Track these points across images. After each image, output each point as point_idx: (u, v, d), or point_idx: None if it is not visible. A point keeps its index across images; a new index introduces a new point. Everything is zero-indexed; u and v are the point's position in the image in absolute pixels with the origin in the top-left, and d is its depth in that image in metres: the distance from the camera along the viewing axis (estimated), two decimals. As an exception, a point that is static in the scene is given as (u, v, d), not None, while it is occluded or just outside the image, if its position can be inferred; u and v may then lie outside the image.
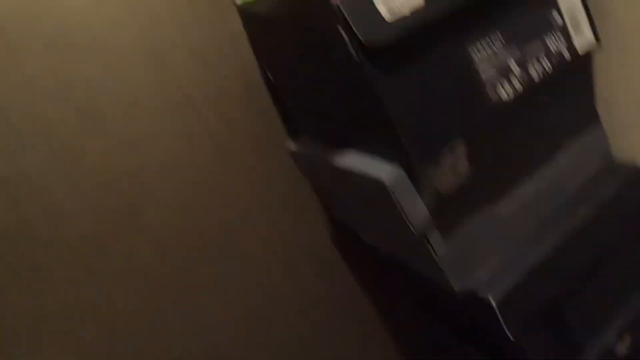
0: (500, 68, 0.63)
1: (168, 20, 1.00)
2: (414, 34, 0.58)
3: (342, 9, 0.55)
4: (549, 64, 0.67)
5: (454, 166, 0.66)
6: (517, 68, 0.66)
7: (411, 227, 0.63)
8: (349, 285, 1.22)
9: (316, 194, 1.12)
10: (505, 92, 0.65)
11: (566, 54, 0.69)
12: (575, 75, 0.75)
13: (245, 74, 1.06)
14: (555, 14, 0.68)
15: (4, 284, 0.95)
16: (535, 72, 0.67)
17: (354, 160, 0.71)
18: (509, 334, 0.68)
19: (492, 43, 0.63)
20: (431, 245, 0.66)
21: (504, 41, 0.64)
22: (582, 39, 0.70)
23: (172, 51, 1.01)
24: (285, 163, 1.10)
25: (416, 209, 0.63)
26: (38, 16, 0.92)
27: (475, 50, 0.62)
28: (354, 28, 0.56)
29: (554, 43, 0.68)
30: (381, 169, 0.63)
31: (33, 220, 0.95)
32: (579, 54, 0.69)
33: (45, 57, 0.93)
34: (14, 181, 0.93)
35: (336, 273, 1.20)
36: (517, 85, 0.65)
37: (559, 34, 0.68)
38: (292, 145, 0.98)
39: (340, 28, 0.57)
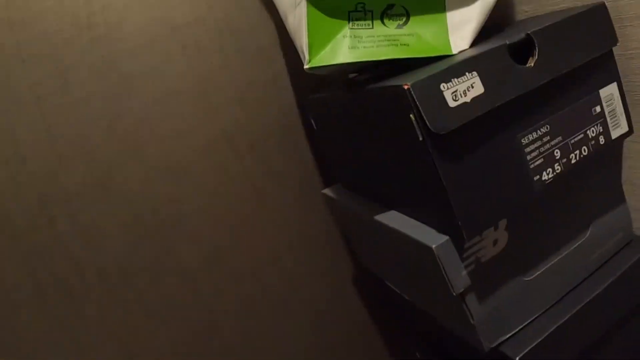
0: (546, 155, 0.69)
1: (216, 59, 1.05)
2: (473, 119, 0.64)
3: (413, 94, 0.61)
4: (586, 150, 0.73)
5: (495, 238, 0.72)
6: (560, 155, 0.71)
7: (452, 289, 0.69)
8: (366, 326, 1.27)
9: (345, 240, 1.17)
10: (547, 176, 0.70)
11: (602, 140, 0.75)
12: (606, 158, 0.82)
13: (284, 118, 1.11)
14: (597, 106, 0.74)
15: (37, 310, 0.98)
16: (575, 158, 0.73)
17: (400, 222, 0.77)
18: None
19: (540, 132, 0.69)
20: (468, 308, 0.71)
21: (550, 131, 0.70)
22: (618, 128, 0.76)
23: (216, 90, 1.05)
24: (318, 209, 1.15)
25: (458, 275, 0.68)
26: (92, 43, 0.96)
27: (525, 138, 0.68)
28: (422, 113, 0.61)
29: (593, 132, 0.74)
30: (430, 235, 0.69)
31: (67, 239, 0.99)
32: (612, 139, 0.76)
33: (96, 82, 0.97)
34: (52, 200, 0.97)
35: (356, 315, 1.25)
36: (559, 169, 0.71)
37: (599, 124, 0.74)
38: (328, 192, 1.03)
39: (408, 110, 0.62)
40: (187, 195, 1.05)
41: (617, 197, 0.85)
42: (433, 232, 0.70)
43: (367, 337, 1.29)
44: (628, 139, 0.81)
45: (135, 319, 1.05)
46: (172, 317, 1.07)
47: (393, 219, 0.79)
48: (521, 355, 0.74)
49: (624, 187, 0.86)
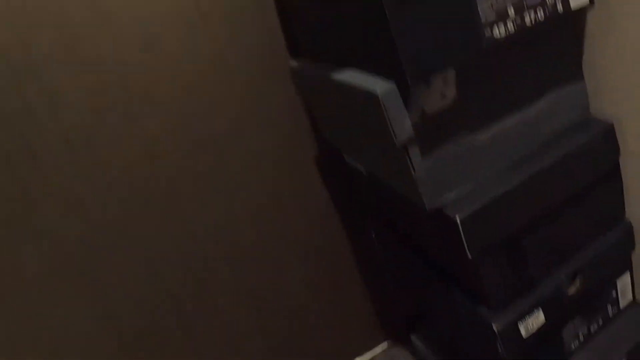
0: (499, 11, 0.69)
1: None
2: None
3: None
4: (542, 14, 0.73)
5: (442, 90, 0.72)
6: (514, 13, 0.71)
7: (394, 138, 0.69)
8: (323, 202, 1.29)
9: (309, 114, 1.18)
10: (499, 32, 0.70)
11: (559, 8, 0.74)
12: (565, 30, 0.81)
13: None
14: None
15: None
16: (529, 18, 0.72)
17: (350, 75, 0.77)
18: (468, 253, 0.76)
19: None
20: (410, 161, 0.72)
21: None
22: (579, -2, 0.76)
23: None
24: (282, 82, 1.15)
25: (402, 123, 0.69)
26: None
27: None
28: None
29: (550, -4, 0.74)
30: (376, 83, 0.69)
31: (36, 106, 0.99)
32: (571, 9, 0.75)
33: None
34: (24, 69, 0.97)
35: (314, 191, 1.27)
36: (511, 27, 0.71)
37: (556, -13, 0.74)
38: (292, 63, 1.03)
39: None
40: (155, 63, 1.05)
41: (575, 74, 0.85)
42: (380, 80, 0.71)
43: (324, 218, 1.31)
44: (592, 19, 0.82)
45: (98, 188, 1.07)
46: (134, 183, 1.10)
47: (347, 75, 0.79)
48: (463, 216, 0.75)
49: (585, 68, 0.86)
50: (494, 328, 0.82)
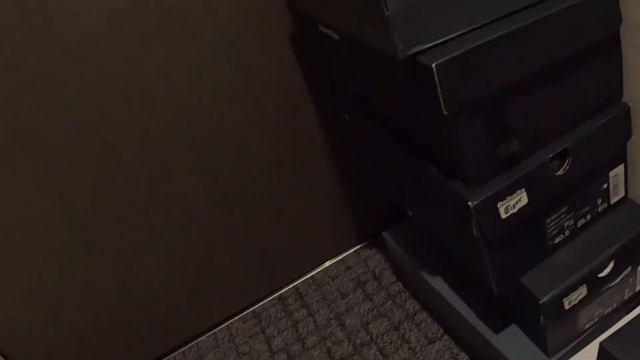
0: None
1: None
2: None
3: None
4: None
5: None
6: None
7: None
8: (295, 82, 1.20)
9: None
10: None
11: None
12: None
13: None
14: None
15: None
16: None
17: None
18: (443, 107, 0.66)
19: None
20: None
21: None
22: None
23: None
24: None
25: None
26: None
27: None
28: None
29: None
30: None
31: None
32: None
33: None
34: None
35: (286, 69, 1.18)
36: None
37: None
38: None
39: None
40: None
41: None
42: None
43: (295, 99, 1.22)
44: None
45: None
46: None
47: None
48: (439, 62, 0.65)
49: None
50: (469, 205, 0.73)
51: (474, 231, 0.75)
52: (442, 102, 0.66)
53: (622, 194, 0.93)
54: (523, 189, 0.76)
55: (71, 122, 1.02)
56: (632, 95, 0.85)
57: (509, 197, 0.76)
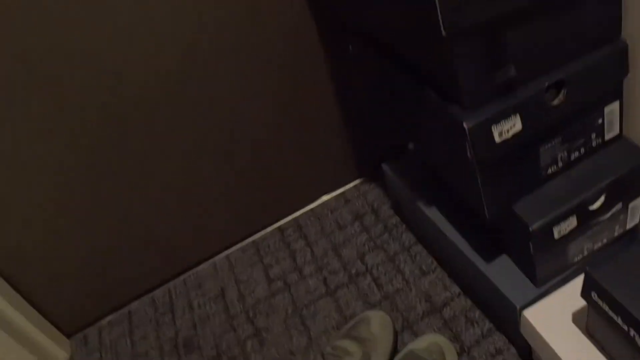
0: None
1: None
2: None
3: None
4: None
5: None
6: None
7: None
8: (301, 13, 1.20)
9: None
10: None
11: None
12: None
13: None
14: None
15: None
16: None
17: None
18: (442, 28, 0.67)
19: None
20: None
21: None
22: None
23: None
24: None
25: None
26: None
27: None
28: None
29: None
30: None
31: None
32: None
33: None
34: None
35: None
36: None
37: None
38: None
39: None
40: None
41: None
42: None
43: (301, 28, 1.22)
44: None
45: None
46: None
47: None
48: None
49: None
50: (464, 126, 0.75)
51: (468, 153, 0.77)
52: (441, 23, 0.67)
53: (616, 131, 0.94)
54: (517, 115, 0.78)
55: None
56: (632, 31, 0.85)
57: (503, 122, 0.77)
